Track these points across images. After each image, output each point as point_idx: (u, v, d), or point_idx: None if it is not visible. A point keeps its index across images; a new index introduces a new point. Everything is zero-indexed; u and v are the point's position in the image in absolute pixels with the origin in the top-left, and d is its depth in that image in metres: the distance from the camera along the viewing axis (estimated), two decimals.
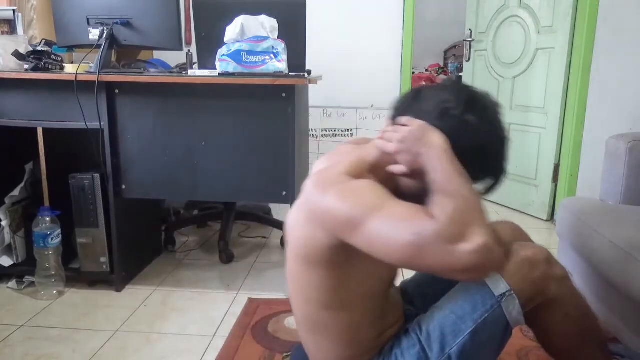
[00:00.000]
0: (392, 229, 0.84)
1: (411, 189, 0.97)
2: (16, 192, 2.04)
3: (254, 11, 1.81)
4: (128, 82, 1.81)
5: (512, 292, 0.99)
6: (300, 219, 0.97)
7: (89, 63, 1.88)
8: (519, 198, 3.23)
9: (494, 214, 3.18)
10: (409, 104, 0.99)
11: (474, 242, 0.80)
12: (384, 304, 1.07)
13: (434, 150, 0.89)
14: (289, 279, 1.08)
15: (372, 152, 0.99)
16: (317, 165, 1.08)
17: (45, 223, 1.86)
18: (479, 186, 0.98)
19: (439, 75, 4.86)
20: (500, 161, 0.97)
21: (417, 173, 0.92)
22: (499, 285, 0.99)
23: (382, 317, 1.07)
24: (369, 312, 1.03)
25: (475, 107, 0.95)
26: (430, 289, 1.17)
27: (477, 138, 0.93)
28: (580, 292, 1.12)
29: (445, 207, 0.83)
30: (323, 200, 0.90)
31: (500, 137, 0.97)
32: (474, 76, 3.60)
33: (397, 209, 0.86)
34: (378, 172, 0.97)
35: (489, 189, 0.99)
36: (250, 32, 1.78)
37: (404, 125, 0.94)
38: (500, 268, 0.93)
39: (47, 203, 1.97)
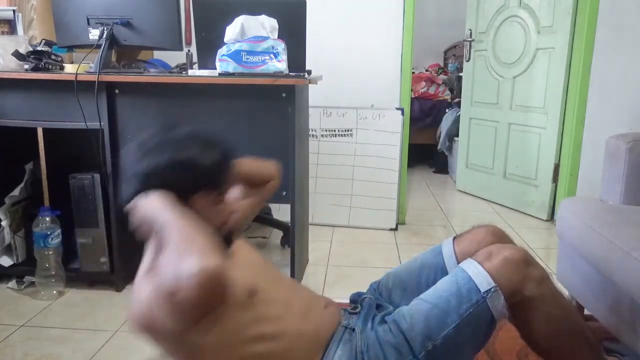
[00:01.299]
0: (152, 310, 0.86)
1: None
2: (16, 192, 2.04)
3: (254, 11, 1.81)
4: (128, 82, 1.81)
5: (498, 288, 1.01)
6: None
7: (89, 63, 1.88)
8: (519, 198, 3.23)
9: (494, 213, 3.18)
10: (124, 187, 1.03)
11: (189, 278, 0.79)
12: (292, 314, 1.05)
13: (147, 214, 0.93)
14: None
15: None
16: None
17: (45, 223, 1.87)
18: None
19: (439, 75, 4.86)
20: (199, 172, 0.98)
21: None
22: (485, 281, 1.02)
23: (301, 326, 1.04)
24: (278, 330, 1.01)
25: (147, 150, 1.03)
26: (412, 283, 1.21)
27: (158, 174, 0.97)
28: (561, 293, 1.13)
29: (161, 260, 0.86)
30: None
31: (181, 156, 0.99)
32: (474, 76, 3.61)
33: (144, 289, 0.90)
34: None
35: (216, 188, 1.01)
36: (250, 32, 1.78)
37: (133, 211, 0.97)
38: (228, 282, 0.88)
39: (47, 203, 1.97)
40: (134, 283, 0.96)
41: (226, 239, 1.04)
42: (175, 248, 0.84)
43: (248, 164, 1.20)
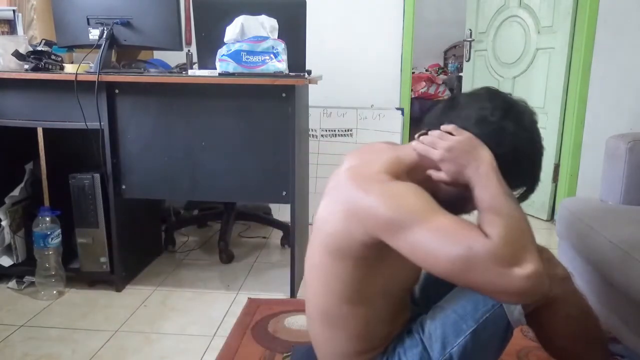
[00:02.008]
0: (442, 241, 0.83)
1: (449, 195, 0.97)
2: (16, 192, 2.04)
3: (254, 11, 1.81)
4: (128, 82, 1.81)
5: None
6: (335, 213, 0.97)
7: (89, 63, 1.88)
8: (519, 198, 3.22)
9: None
10: (445, 112, 0.99)
11: (527, 268, 0.79)
12: (400, 304, 1.08)
13: (483, 167, 0.89)
14: (309, 271, 1.07)
15: (409, 154, 0.99)
16: (349, 161, 1.06)
17: (45, 223, 1.86)
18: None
19: (439, 75, 4.86)
20: (535, 169, 0.98)
21: (459, 183, 0.92)
22: None
23: (396, 316, 1.07)
24: (386, 309, 1.04)
25: (512, 114, 0.95)
26: (434, 290, 1.18)
27: (515, 144, 0.93)
28: (582, 293, 1.12)
29: (497, 227, 0.83)
30: (365, 199, 0.90)
31: (537, 144, 0.98)
32: (474, 76, 3.60)
33: (447, 221, 0.85)
34: (415, 174, 0.97)
35: (522, 197, 1.00)
36: (250, 32, 1.78)
37: (450, 134, 0.93)
38: (545, 296, 0.91)
39: (47, 203, 1.97)
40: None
41: None
42: (514, 227, 0.84)
43: None
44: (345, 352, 1.06)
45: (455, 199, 0.95)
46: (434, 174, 0.95)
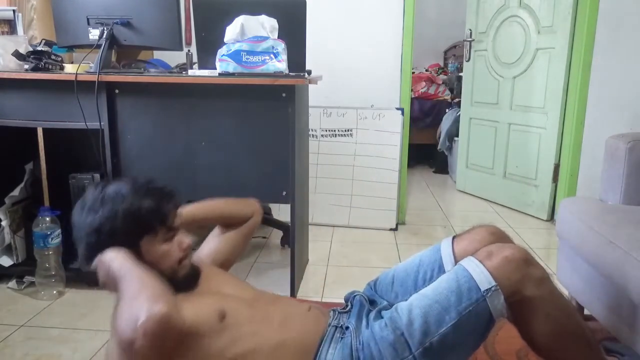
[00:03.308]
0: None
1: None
2: (16, 192, 2.04)
3: (254, 11, 1.81)
4: (128, 82, 1.81)
5: (498, 287, 1.01)
6: None
7: (89, 63, 1.88)
8: (519, 198, 3.23)
9: (494, 213, 3.18)
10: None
11: (140, 330, 0.82)
12: (280, 336, 1.06)
13: (110, 274, 0.98)
14: None
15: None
16: None
17: (45, 223, 1.87)
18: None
19: (439, 75, 4.86)
20: (130, 222, 1.03)
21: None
22: (486, 280, 1.02)
23: (290, 345, 1.05)
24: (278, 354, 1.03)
25: (88, 211, 1.06)
26: (409, 280, 1.22)
27: (108, 223, 1.02)
28: (562, 294, 1.13)
29: (118, 320, 0.88)
30: None
31: (113, 211, 1.03)
32: (474, 76, 3.61)
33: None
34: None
35: (161, 219, 1.06)
36: (250, 32, 1.78)
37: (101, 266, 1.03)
38: (179, 323, 0.91)
39: (47, 203, 1.97)
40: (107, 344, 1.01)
41: (190, 274, 1.10)
42: (127, 299, 0.89)
43: (215, 206, 1.34)
44: None
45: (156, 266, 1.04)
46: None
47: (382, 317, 1.07)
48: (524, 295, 1.04)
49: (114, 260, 0.98)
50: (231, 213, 1.39)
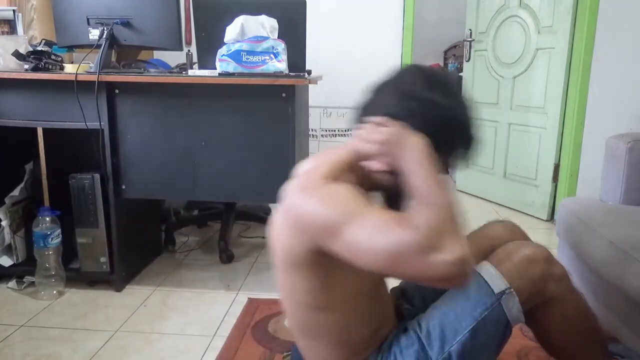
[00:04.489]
0: (371, 238, 0.83)
1: (388, 185, 0.98)
2: (16, 192, 2.04)
3: (254, 11, 1.81)
4: (128, 82, 1.81)
5: (512, 289, 1.00)
6: (282, 224, 0.97)
7: (89, 63, 1.88)
8: (519, 198, 3.23)
9: (494, 213, 3.18)
10: (373, 99, 1.01)
11: (451, 254, 0.79)
12: (374, 303, 1.07)
13: (415, 155, 0.89)
14: (279, 285, 1.08)
15: (348, 152, 1.00)
16: (300, 168, 1.07)
17: (45, 223, 1.86)
18: (456, 159, 1.00)
19: None
20: (469, 130, 0.98)
21: (396, 172, 0.93)
22: (499, 283, 1.00)
23: (373, 316, 1.07)
24: (358, 311, 1.03)
25: (435, 84, 0.97)
26: (430, 288, 1.17)
27: (444, 113, 0.94)
28: (580, 292, 1.12)
29: (424, 216, 0.83)
30: (303, 206, 0.90)
31: (464, 107, 0.98)
32: (474, 76, 3.60)
33: (377, 217, 0.85)
34: (356, 170, 0.98)
35: (465, 159, 1.00)
36: (250, 32, 1.78)
37: (381, 125, 0.94)
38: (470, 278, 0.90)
39: (47, 203, 1.97)
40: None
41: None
42: (438, 214, 0.83)
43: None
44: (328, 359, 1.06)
45: (396, 187, 0.96)
46: (370, 165, 0.96)
47: (407, 330, 1.06)
48: (545, 295, 1.03)
49: (422, 149, 0.89)
50: None
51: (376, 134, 0.93)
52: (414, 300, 1.23)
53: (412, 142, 0.90)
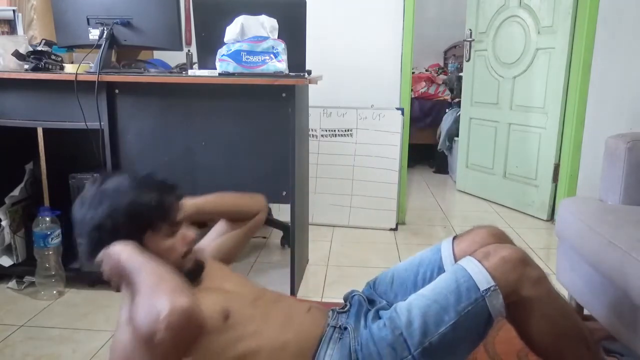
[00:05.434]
0: (120, 354, 0.92)
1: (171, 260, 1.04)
2: (16, 192, 2.04)
3: (254, 11, 1.81)
4: (128, 82, 1.81)
5: (497, 287, 1.01)
6: None
7: (89, 63, 1.88)
8: (519, 198, 3.23)
9: (494, 213, 3.18)
10: (85, 243, 1.07)
11: (162, 322, 0.81)
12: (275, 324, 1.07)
13: (120, 262, 0.96)
14: None
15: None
16: None
17: (45, 223, 1.87)
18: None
19: (439, 75, 4.86)
20: (143, 207, 1.02)
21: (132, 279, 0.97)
22: (485, 280, 1.02)
23: (280, 334, 1.06)
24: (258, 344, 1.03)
25: (97, 203, 1.03)
26: (409, 277, 1.23)
27: (109, 218, 1.00)
28: (559, 294, 1.13)
29: (135, 308, 0.87)
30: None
31: (114, 207, 1.02)
32: (474, 76, 3.61)
33: (121, 339, 0.93)
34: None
35: (165, 219, 1.05)
36: (250, 32, 1.78)
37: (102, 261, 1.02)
38: (201, 317, 0.91)
39: (47, 203, 1.97)
40: (113, 337, 1.00)
41: (193, 268, 1.09)
42: (146, 292, 0.87)
43: (222, 200, 1.31)
44: None
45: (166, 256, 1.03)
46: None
47: (380, 318, 1.07)
48: (521, 296, 1.04)
49: (122, 253, 0.97)
50: (238, 209, 1.37)
51: (105, 270, 1.02)
52: (389, 291, 1.25)
53: (110, 256, 0.98)
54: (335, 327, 1.10)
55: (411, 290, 1.14)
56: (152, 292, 0.87)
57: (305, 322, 1.11)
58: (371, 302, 1.23)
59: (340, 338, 1.07)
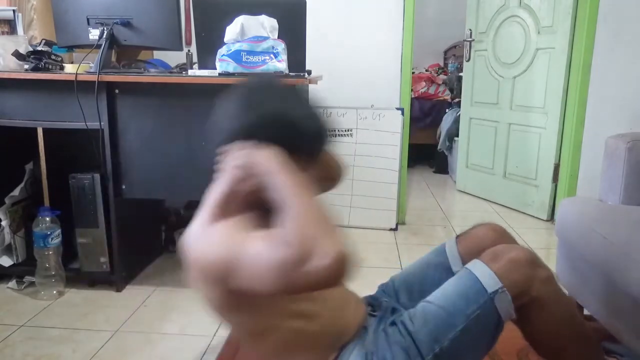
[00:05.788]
0: (254, 265, 0.84)
1: (263, 204, 0.97)
2: (16, 192, 2.04)
3: (254, 11, 1.81)
4: (128, 82, 1.81)
5: (505, 288, 1.01)
6: (195, 281, 0.98)
7: (89, 63, 1.88)
8: (519, 198, 3.23)
9: (494, 213, 3.18)
10: (219, 128, 1.02)
11: (325, 257, 0.80)
12: (320, 308, 1.06)
13: (267, 168, 0.91)
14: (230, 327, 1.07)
15: (222, 185, 1.00)
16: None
17: (45, 223, 1.87)
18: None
19: (439, 75, 4.86)
20: (313, 127, 0.98)
21: (262, 190, 0.93)
22: (492, 282, 1.01)
23: (331, 318, 1.06)
24: (311, 321, 1.03)
25: (271, 94, 0.99)
26: (417, 284, 1.21)
27: (283, 119, 0.95)
28: (566, 295, 1.13)
29: (291, 226, 0.83)
30: (200, 259, 0.92)
31: (302, 107, 0.99)
32: (474, 76, 3.61)
33: (254, 243, 0.86)
34: (237, 198, 0.98)
35: (317, 152, 1.01)
36: (250, 32, 1.78)
37: (234, 150, 0.96)
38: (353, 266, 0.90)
39: (47, 203, 1.97)
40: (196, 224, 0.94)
41: None
42: (309, 219, 0.84)
43: (329, 155, 1.18)
44: None
45: (270, 204, 0.97)
46: (243, 190, 0.96)
47: (395, 324, 1.07)
48: (531, 296, 1.04)
49: (270, 158, 0.90)
50: (335, 168, 1.22)
51: (232, 160, 0.95)
52: (399, 294, 1.24)
53: (261, 157, 0.92)
54: (365, 328, 1.10)
55: (421, 295, 1.12)
56: (318, 224, 0.84)
57: (353, 315, 1.10)
58: (393, 310, 1.22)
59: (362, 339, 1.07)
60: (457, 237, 1.26)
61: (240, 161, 0.94)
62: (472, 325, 0.99)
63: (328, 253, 0.79)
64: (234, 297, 0.93)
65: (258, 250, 0.85)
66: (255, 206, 0.96)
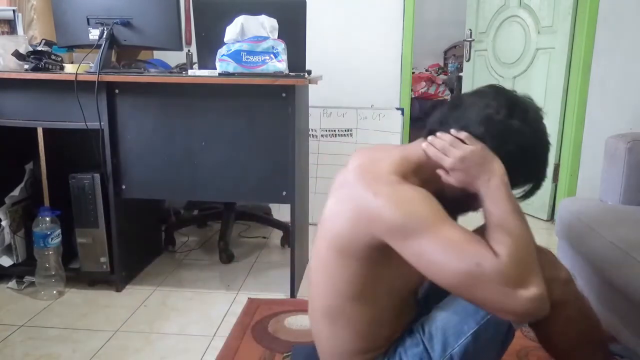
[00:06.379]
0: (449, 254, 0.84)
1: (455, 195, 0.98)
2: (16, 192, 2.04)
3: (254, 11, 1.81)
4: (128, 82, 1.81)
5: None
6: (343, 213, 0.97)
7: (89, 63, 1.88)
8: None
9: None
10: (451, 112, 0.99)
11: (531, 291, 0.80)
12: (405, 305, 1.08)
13: (494, 180, 0.90)
14: (314, 269, 1.08)
15: (417, 153, 0.99)
16: (357, 159, 1.05)
17: (45, 223, 1.87)
18: (518, 190, 1.00)
19: (439, 75, 4.86)
20: (541, 165, 0.98)
21: (465, 189, 0.93)
22: None
23: (400, 316, 1.07)
24: (391, 309, 1.04)
25: (517, 112, 0.95)
26: (433, 291, 1.18)
27: (521, 143, 0.94)
28: (584, 295, 1.12)
29: (506, 246, 0.83)
30: (373, 201, 0.90)
31: (543, 140, 0.98)
32: (474, 76, 3.60)
33: (455, 234, 0.86)
34: (422, 173, 0.98)
35: (529, 193, 1.01)
36: (250, 32, 1.78)
37: (461, 140, 0.94)
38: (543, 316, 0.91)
39: (47, 203, 1.97)
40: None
41: None
42: (521, 245, 0.85)
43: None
44: (347, 350, 1.06)
45: (462, 199, 0.97)
46: (443, 176, 0.96)
47: (412, 330, 1.07)
48: (550, 299, 1.03)
49: (501, 177, 0.90)
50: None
51: (456, 148, 0.93)
52: (420, 301, 1.23)
53: (491, 166, 0.91)
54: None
55: (440, 297, 1.11)
56: (533, 255, 0.85)
57: (407, 317, 1.10)
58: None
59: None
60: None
61: (465, 154, 0.92)
62: (482, 330, 0.98)
63: (536, 290, 0.80)
64: (377, 252, 0.93)
65: (459, 244, 0.84)
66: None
